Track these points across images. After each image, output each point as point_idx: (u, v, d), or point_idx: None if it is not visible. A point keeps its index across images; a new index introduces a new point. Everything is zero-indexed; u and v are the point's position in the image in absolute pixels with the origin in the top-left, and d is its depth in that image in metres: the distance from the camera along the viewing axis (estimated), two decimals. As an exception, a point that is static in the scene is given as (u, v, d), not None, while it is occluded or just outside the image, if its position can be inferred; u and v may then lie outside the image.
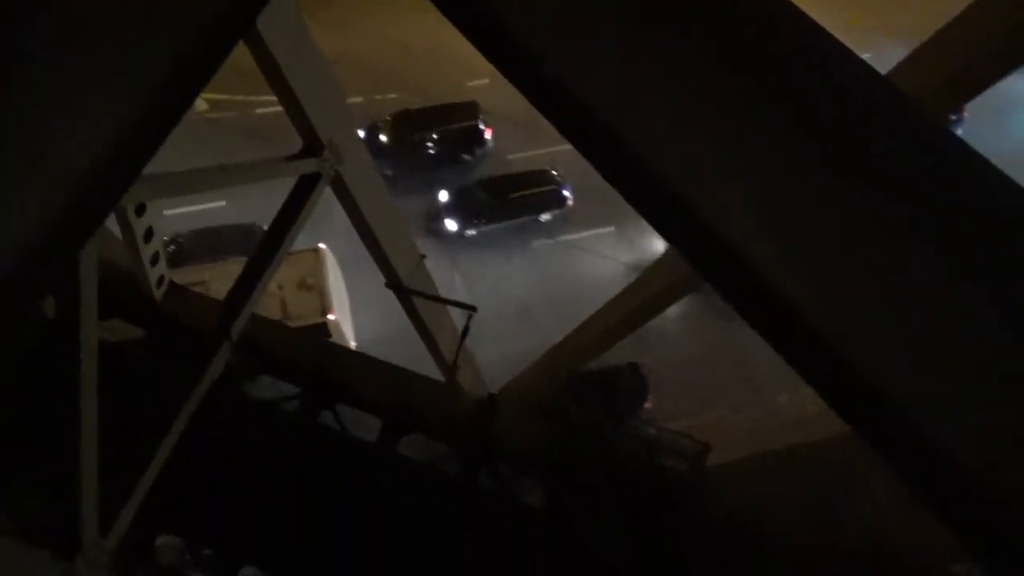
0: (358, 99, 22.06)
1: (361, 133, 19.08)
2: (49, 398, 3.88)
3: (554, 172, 21.08)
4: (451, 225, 19.98)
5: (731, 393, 18.11)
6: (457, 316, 7.40)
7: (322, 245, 17.09)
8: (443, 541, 7.38)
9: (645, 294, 6.53)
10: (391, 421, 8.06)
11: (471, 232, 20.04)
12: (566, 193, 20.88)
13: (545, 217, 20.90)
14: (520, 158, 21.94)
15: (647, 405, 16.25)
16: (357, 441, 8.05)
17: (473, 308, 6.79)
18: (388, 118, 21.49)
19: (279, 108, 4.66)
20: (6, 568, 3.98)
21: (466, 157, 21.63)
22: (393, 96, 23.01)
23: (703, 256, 2.04)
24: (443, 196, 20.46)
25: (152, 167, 3.54)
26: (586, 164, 2.06)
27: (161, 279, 7.52)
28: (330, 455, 7.81)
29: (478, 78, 22.29)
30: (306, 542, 7.27)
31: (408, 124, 21.22)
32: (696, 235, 1.95)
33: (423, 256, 6.76)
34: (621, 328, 6.87)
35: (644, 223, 2.13)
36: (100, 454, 4.07)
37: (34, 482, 5.04)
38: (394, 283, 6.35)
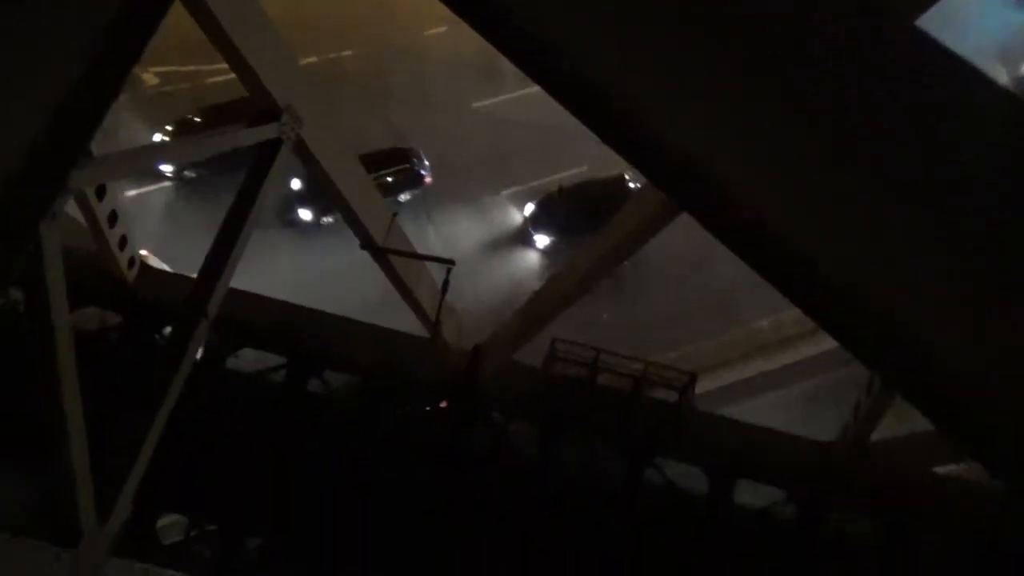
0: (312, 59, 21.39)
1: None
2: (33, 391, 3.83)
3: (411, 150, 19.69)
4: (304, 214, 18.58)
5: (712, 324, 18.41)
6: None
7: (144, 251, 16.11)
8: (441, 500, 7.50)
9: (618, 236, 6.50)
10: (380, 382, 8.08)
11: (328, 219, 18.26)
12: (423, 172, 19.68)
13: (404, 197, 19.48)
14: (483, 106, 21.54)
15: None
16: (348, 405, 8.08)
17: (451, 262, 6.74)
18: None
19: (232, 76, 4.51)
20: (10, 562, 3.98)
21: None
22: (348, 53, 22.35)
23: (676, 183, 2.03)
24: (295, 184, 18.62)
25: (106, 147, 3.44)
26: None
27: (132, 261, 7.39)
28: (322, 421, 7.85)
29: (434, 26, 21.71)
30: (307, 509, 7.36)
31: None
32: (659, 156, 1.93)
33: (395, 214, 6.68)
34: (598, 270, 6.87)
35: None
36: (91, 442, 4.05)
37: (31, 476, 5.01)
38: (369, 244, 6.27)
